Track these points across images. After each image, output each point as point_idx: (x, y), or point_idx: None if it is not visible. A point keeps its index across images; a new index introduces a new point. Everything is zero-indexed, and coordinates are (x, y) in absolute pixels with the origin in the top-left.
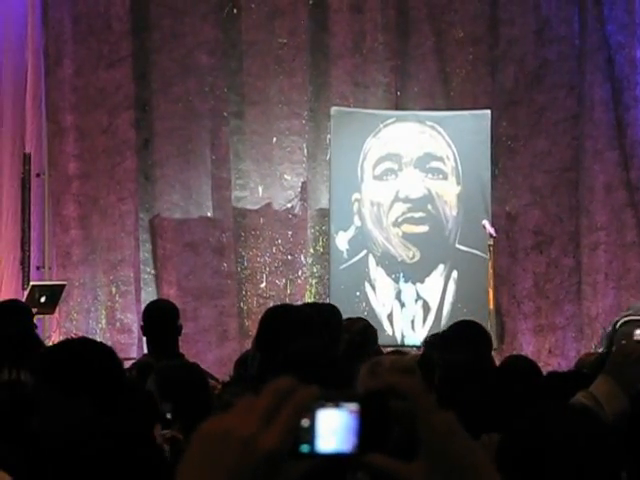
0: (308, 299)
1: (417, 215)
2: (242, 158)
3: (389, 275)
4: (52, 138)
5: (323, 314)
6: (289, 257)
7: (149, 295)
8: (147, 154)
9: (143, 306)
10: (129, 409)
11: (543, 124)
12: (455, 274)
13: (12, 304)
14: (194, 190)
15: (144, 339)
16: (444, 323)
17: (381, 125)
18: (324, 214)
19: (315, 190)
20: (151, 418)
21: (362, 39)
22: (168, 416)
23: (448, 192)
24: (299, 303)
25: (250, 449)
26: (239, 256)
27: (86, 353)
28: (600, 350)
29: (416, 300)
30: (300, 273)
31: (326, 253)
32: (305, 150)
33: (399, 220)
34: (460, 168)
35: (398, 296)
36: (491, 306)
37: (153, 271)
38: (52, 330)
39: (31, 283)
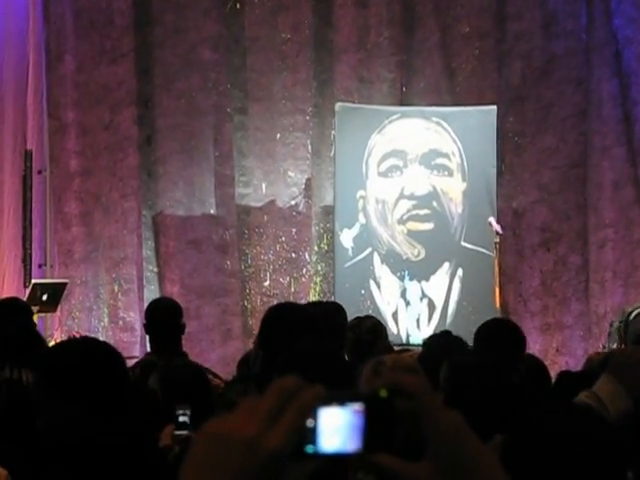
0: (312, 297)
1: (422, 212)
2: (245, 155)
3: (394, 273)
4: (53, 134)
5: (327, 313)
6: (293, 255)
7: (152, 293)
8: (150, 151)
9: (146, 304)
10: (133, 410)
11: (550, 120)
12: (461, 272)
13: (11, 302)
14: (197, 187)
15: (147, 337)
16: (449, 321)
17: (386, 121)
18: (328, 211)
19: (319, 187)
20: (155, 418)
21: (367, 34)
22: (181, 419)
23: (454, 189)
24: (303, 301)
25: (254, 450)
26: (243, 254)
27: (89, 353)
28: (608, 346)
29: (421, 298)
30: (304, 271)
31: (330, 251)
32: (309, 146)
33: (404, 217)
34: (466, 164)
35: (403, 294)
36: (497, 304)
37: (156, 269)
38: (54, 329)
39: (33, 281)
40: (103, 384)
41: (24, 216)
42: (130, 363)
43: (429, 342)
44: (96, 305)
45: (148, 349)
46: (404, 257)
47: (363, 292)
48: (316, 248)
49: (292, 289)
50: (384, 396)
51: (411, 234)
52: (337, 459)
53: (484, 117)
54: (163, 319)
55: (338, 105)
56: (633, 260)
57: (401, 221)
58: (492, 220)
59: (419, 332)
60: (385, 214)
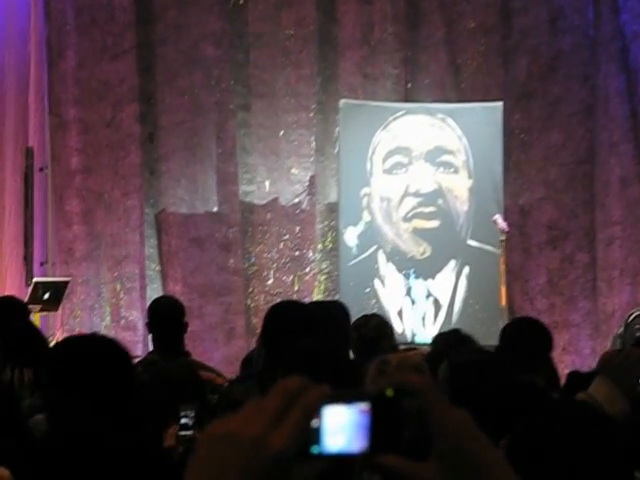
0: (317, 296)
1: (427, 210)
2: (249, 152)
3: (399, 271)
4: (55, 132)
5: (330, 311)
6: (297, 253)
7: (154, 292)
8: (152, 148)
9: (148, 303)
10: (139, 409)
11: (557, 116)
12: (467, 270)
13: (7, 301)
14: (200, 185)
15: (149, 336)
16: (455, 320)
17: (390, 118)
18: (333, 209)
19: (323, 184)
20: (161, 417)
21: (371, 30)
22: (184, 420)
23: (459, 186)
24: (307, 300)
25: (259, 451)
26: (246, 252)
27: (95, 350)
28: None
29: (427, 297)
30: (308, 269)
31: (335, 249)
32: (313, 143)
33: (409, 215)
34: (471, 162)
35: (408, 293)
36: (503, 303)
37: (158, 267)
38: (56, 328)
39: (34, 280)
40: (110, 381)
41: (25, 214)
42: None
43: (437, 340)
44: (98, 304)
45: (150, 348)
46: (409, 255)
47: (368, 290)
48: (320, 246)
49: (296, 287)
50: (390, 395)
51: (416, 232)
52: (343, 459)
53: (490, 114)
54: (165, 318)
55: (342, 102)
56: None
57: (406, 219)
58: (498, 218)
59: (425, 331)
60: (390, 212)
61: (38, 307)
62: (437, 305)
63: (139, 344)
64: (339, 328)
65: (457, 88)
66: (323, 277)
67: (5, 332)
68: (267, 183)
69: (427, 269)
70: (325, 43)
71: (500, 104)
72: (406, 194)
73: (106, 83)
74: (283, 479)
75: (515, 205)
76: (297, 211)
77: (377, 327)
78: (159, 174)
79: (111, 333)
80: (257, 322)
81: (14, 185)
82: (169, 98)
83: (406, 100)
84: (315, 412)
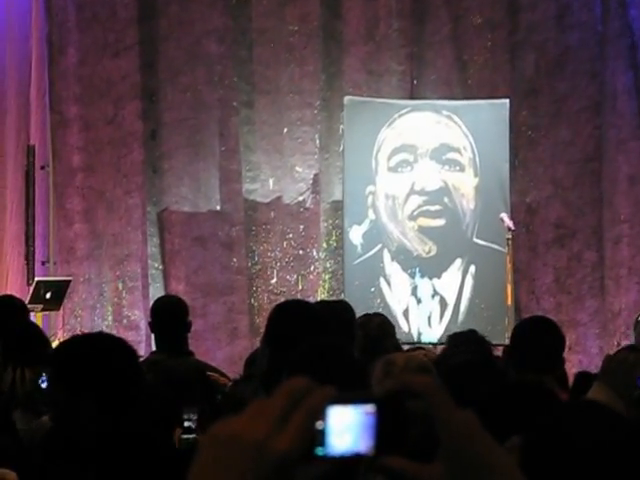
0: (321, 295)
1: (433, 208)
2: (252, 149)
3: (405, 270)
4: (56, 129)
5: (335, 311)
6: (301, 252)
7: (157, 291)
8: (154, 145)
9: (151, 302)
10: (146, 408)
11: (564, 113)
12: (473, 269)
13: (6, 301)
14: (203, 183)
15: (152, 336)
16: (461, 319)
17: (396, 115)
18: (337, 207)
19: (328, 182)
20: (168, 418)
21: (376, 25)
22: (187, 424)
23: (465, 184)
24: (312, 299)
25: (263, 453)
26: (249, 251)
27: (103, 349)
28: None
29: (433, 296)
30: (312, 268)
31: (339, 248)
32: (317, 141)
33: (415, 213)
34: (478, 159)
35: (414, 292)
36: (509, 302)
37: (161, 266)
38: (57, 327)
39: (36, 279)
40: (118, 380)
41: (27, 212)
42: None
43: (452, 340)
44: (100, 303)
45: (153, 348)
46: (415, 254)
47: (373, 290)
48: (325, 245)
49: (300, 287)
50: (396, 397)
51: (422, 230)
52: (347, 461)
53: (496, 110)
54: (168, 317)
55: (347, 99)
56: None
57: (412, 217)
58: (504, 216)
59: (430, 330)
60: (395, 210)
61: (40, 306)
62: (443, 304)
63: (142, 344)
64: (345, 328)
65: (463, 84)
66: (327, 276)
67: (5, 332)
68: (271, 181)
69: (433, 268)
70: (329, 39)
71: (507, 101)
72: (411, 192)
73: (108, 80)
74: None
75: (522, 203)
76: (301, 209)
77: (380, 326)
78: (161, 172)
79: (113, 333)
80: (261, 321)
81: (15, 183)
82: (171, 95)
83: (412, 97)
84: (320, 414)
